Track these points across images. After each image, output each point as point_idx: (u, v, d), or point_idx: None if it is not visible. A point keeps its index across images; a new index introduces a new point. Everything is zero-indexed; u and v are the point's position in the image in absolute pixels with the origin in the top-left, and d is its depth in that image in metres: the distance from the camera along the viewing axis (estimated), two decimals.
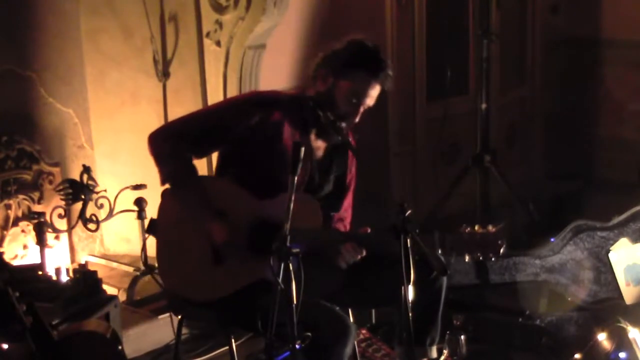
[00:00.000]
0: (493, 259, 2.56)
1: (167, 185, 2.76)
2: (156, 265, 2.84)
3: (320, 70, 2.76)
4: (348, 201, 2.99)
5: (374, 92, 2.73)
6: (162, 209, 2.78)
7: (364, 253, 2.67)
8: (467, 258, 2.54)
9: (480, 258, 2.53)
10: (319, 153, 2.85)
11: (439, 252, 2.56)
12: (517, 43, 5.89)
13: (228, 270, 2.66)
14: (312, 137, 2.81)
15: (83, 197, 3.70)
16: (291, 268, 2.22)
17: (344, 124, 2.72)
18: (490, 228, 2.53)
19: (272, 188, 2.66)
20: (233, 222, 2.66)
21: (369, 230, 2.60)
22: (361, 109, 2.73)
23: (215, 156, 2.98)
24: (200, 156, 2.86)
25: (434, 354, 2.89)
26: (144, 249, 3.43)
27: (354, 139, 2.88)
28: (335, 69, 2.72)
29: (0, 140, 3.72)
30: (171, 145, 2.73)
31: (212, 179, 2.85)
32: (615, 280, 3.68)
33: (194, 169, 2.77)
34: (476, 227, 2.54)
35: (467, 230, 2.52)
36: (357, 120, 2.75)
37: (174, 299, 2.88)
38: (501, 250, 2.51)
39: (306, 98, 2.77)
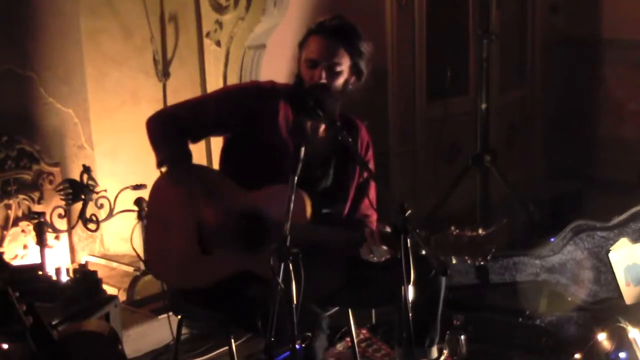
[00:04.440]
0: (482, 263, 2.51)
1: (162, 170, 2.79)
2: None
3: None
4: (372, 198, 2.86)
5: (330, 49, 2.62)
6: (152, 198, 2.80)
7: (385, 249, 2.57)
8: (453, 260, 2.51)
9: (468, 261, 2.49)
10: (318, 144, 2.77)
11: (422, 250, 2.44)
12: (517, 43, 5.89)
13: (214, 260, 2.67)
14: (310, 125, 2.74)
15: (83, 197, 3.70)
16: (291, 268, 2.22)
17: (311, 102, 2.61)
18: (481, 231, 2.45)
19: (270, 175, 2.64)
20: (223, 210, 2.66)
21: (387, 229, 2.54)
22: (322, 68, 2.63)
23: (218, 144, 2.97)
24: (195, 140, 2.86)
25: (434, 354, 2.88)
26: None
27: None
28: (299, 47, 2.71)
29: (0, 140, 3.72)
30: (166, 127, 2.76)
31: (203, 168, 2.86)
32: (615, 280, 3.68)
33: (188, 152, 2.79)
34: (466, 230, 2.50)
35: (455, 233, 2.47)
36: (325, 81, 2.63)
37: (172, 297, 2.90)
38: (490, 256, 2.45)
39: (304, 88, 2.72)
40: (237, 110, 2.73)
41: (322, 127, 2.77)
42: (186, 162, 2.77)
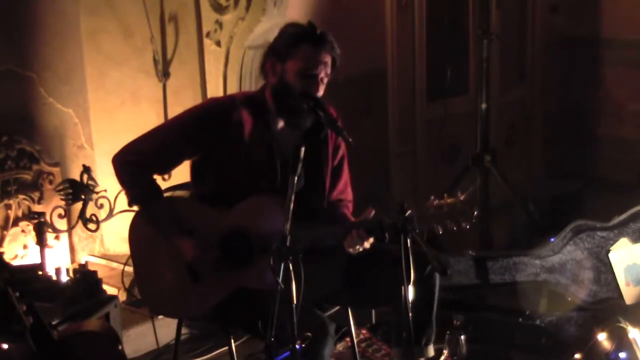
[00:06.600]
0: (467, 226, 2.50)
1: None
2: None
3: (266, 64, 2.75)
4: (344, 181, 2.93)
5: (325, 59, 2.68)
6: (133, 233, 2.82)
7: (370, 239, 2.59)
8: (440, 230, 2.50)
9: (455, 228, 2.49)
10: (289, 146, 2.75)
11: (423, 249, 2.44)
12: (517, 43, 5.88)
13: (206, 287, 2.67)
14: (280, 129, 2.78)
15: (83, 197, 3.70)
16: (291, 268, 2.22)
17: (305, 105, 2.66)
18: (460, 195, 2.49)
19: (245, 187, 2.68)
20: (201, 239, 2.68)
21: (372, 213, 2.57)
22: (320, 81, 2.68)
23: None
24: (164, 171, 2.89)
25: (431, 352, 2.88)
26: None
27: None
28: (279, 55, 2.70)
29: (0, 140, 3.72)
30: (132, 167, 2.77)
31: (174, 200, 2.88)
32: (615, 280, 3.67)
33: (157, 191, 2.80)
34: (445, 196, 2.50)
35: (435, 203, 2.49)
36: (320, 93, 2.69)
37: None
38: (474, 215, 2.47)
39: (263, 95, 2.77)
40: (203, 131, 2.73)
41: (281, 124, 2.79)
42: (156, 200, 2.78)
